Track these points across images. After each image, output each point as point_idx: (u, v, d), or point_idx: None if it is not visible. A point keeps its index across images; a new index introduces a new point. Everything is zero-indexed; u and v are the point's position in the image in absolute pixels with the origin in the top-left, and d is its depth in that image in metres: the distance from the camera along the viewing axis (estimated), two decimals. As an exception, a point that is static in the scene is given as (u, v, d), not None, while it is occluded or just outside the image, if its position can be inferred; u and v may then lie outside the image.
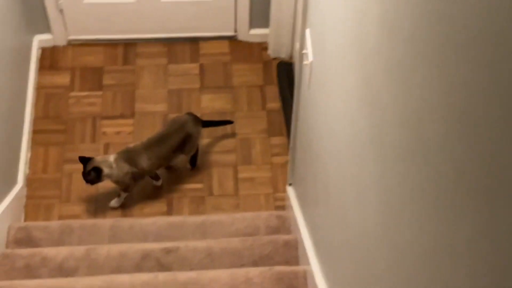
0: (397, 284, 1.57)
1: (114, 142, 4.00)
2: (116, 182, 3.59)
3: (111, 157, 3.50)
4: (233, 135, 4.04)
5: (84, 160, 3.47)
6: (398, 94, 1.46)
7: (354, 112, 1.91)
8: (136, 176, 3.57)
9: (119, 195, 3.68)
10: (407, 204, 1.45)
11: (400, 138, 1.47)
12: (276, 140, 4.05)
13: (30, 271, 3.03)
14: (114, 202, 3.70)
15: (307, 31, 2.68)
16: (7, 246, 3.27)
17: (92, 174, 3.43)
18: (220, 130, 4.05)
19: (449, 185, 1.18)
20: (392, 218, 1.58)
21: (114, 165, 3.47)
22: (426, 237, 1.32)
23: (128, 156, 3.52)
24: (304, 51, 2.71)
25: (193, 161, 3.83)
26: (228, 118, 4.06)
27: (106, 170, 3.45)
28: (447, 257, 1.21)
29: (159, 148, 3.55)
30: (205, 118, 3.97)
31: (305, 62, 2.68)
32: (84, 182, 3.51)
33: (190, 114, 3.75)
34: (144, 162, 3.52)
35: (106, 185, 3.77)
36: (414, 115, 1.36)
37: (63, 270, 3.04)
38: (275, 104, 4.19)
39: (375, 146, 1.70)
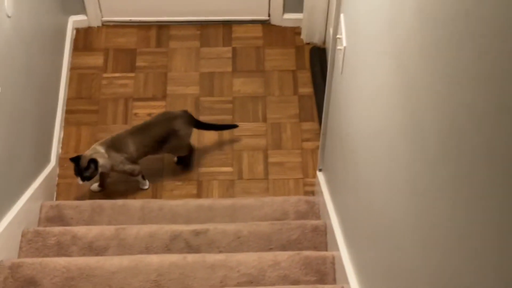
0: (426, 273, 1.56)
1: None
2: (118, 172, 3.60)
3: (100, 148, 3.47)
4: (264, 119, 4.04)
5: (75, 159, 3.41)
6: (433, 80, 1.45)
7: (387, 98, 1.90)
8: (132, 160, 3.57)
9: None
10: (439, 193, 1.44)
11: (434, 125, 1.45)
12: (307, 125, 4.04)
13: (61, 249, 3.07)
14: (142, 185, 3.75)
15: (342, 16, 2.66)
16: (39, 224, 3.32)
17: (92, 166, 3.37)
18: (251, 114, 4.05)
19: (484, 174, 1.16)
20: (423, 207, 1.57)
21: (106, 156, 3.45)
22: (458, 226, 1.31)
23: (115, 144, 3.51)
24: (338, 36, 2.69)
25: (186, 162, 3.82)
26: (259, 102, 4.06)
27: (101, 161, 3.41)
28: (480, 247, 1.20)
29: (142, 136, 3.55)
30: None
31: (338, 47, 2.67)
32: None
33: (185, 112, 3.72)
34: (131, 146, 3.52)
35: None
36: (449, 101, 1.34)
37: (92, 249, 3.08)
38: (306, 89, 4.17)
39: (407, 133, 1.68)
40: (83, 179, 3.39)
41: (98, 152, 3.44)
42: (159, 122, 3.62)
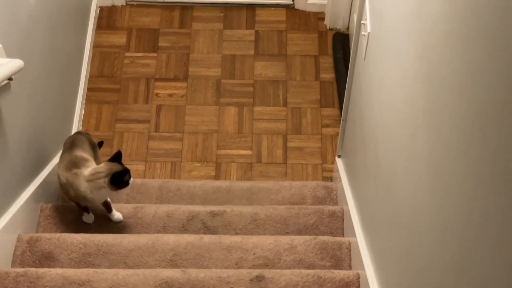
0: (444, 261, 1.56)
1: (166, 104, 4.04)
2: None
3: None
4: (284, 103, 4.04)
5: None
6: (457, 67, 1.44)
7: (410, 84, 1.89)
8: None
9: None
10: (460, 182, 1.43)
11: (457, 113, 1.44)
12: (328, 111, 4.03)
13: (79, 225, 3.10)
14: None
15: (367, 2, 2.64)
16: (57, 200, 3.34)
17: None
18: (272, 98, 4.05)
19: (506, 164, 1.16)
20: (443, 196, 1.56)
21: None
22: (478, 216, 1.31)
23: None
24: (362, 22, 2.68)
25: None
26: (280, 86, 4.07)
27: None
28: (501, 236, 1.19)
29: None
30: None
31: (362, 33, 2.65)
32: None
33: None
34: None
35: (157, 145, 3.82)
36: (472, 88, 1.33)
37: (110, 226, 3.10)
38: (328, 75, 4.16)
39: (430, 120, 1.68)
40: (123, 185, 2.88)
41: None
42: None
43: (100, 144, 3.38)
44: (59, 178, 2.97)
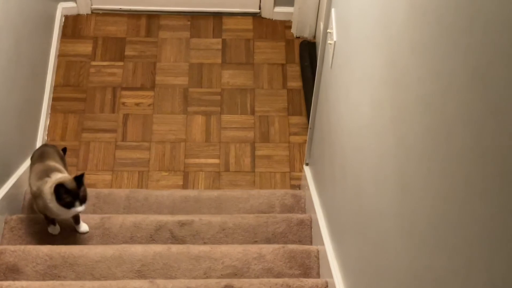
0: (411, 268, 1.56)
1: (133, 113, 4.00)
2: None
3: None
4: (252, 112, 4.03)
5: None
6: (423, 76, 1.45)
7: (377, 92, 1.90)
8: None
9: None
10: (425, 187, 1.44)
11: (423, 120, 1.45)
12: (295, 119, 4.04)
13: (44, 236, 3.05)
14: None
15: (333, 11, 2.65)
16: (22, 211, 3.30)
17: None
18: (239, 106, 4.04)
19: (471, 170, 1.16)
20: (409, 201, 1.57)
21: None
22: (444, 222, 1.31)
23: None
24: (328, 30, 2.69)
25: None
26: (248, 95, 4.07)
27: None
28: (463, 241, 1.20)
29: None
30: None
31: (329, 42, 2.66)
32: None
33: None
34: None
35: (124, 154, 3.79)
36: (438, 97, 1.34)
37: (76, 237, 3.06)
38: (296, 83, 4.16)
39: (396, 127, 1.68)
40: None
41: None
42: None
43: (64, 150, 3.32)
44: (30, 187, 2.94)
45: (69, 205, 2.74)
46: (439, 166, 1.33)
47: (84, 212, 2.90)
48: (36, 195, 2.85)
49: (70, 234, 3.07)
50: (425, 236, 1.44)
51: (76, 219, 3.03)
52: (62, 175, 2.87)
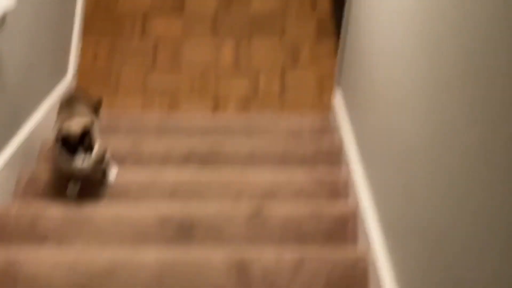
0: (439, 192, 1.57)
1: (164, 37, 3.99)
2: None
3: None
4: (282, 35, 3.99)
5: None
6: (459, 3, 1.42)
7: (409, 13, 1.86)
8: None
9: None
10: (456, 112, 1.42)
11: (455, 43, 1.43)
12: (326, 42, 3.99)
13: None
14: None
15: None
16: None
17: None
18: (270, 30, 4.00)
19: (503, 95, 1.15)
20: (439, 125, 1.56)
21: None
22: (472, 147, 1.31)
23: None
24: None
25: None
26: (278, 18, 4.00)
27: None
28: (498, 165, 1.19)
29: None
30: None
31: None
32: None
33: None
34: None
35: (155, 79, 3.80)
36: (473, 18, 1.31)
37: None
38: (326, 5, 4.10)
39: (428, 49, 1.66)
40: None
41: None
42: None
43: (99, 102, 3.12)
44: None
45: (72, 156, 2.52)
46: (470, 90, 1.32)
47: (91, 169, 2.69)
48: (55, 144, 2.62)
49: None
50: (453, 162, 1.44)
51: (103, 171, 2.82)
52: (75, 120, 2.61)
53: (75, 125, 2.54)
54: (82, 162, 2.53)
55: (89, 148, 2.52)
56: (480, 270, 1.28)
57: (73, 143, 2.51)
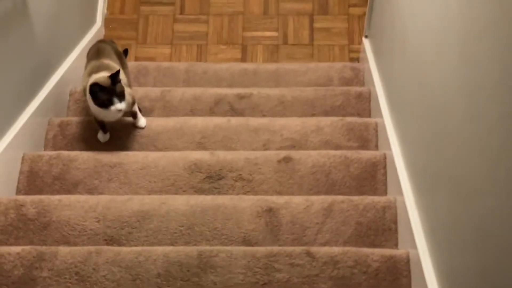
0: (474, 141, 1.56)
1: (190, -15, 3.97)
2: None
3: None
4: (310, -17, 3.95)
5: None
6: None
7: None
8: None
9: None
10: (489, 60, 1.41)
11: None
12: (355, -10, 3.95)
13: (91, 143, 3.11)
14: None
15: None
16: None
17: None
18: (297, -23, 3.96)
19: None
20: (473, 73, 1.54)
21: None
22: (508, 91, 1.29)
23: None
24: None
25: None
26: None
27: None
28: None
29: None
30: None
31: None
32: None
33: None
34: None
35: (182, 28, 3.79)
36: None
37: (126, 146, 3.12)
38: (356, -48, 4.04)
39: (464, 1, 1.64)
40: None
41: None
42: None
43: (125, 52, 3.14)
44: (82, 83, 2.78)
45: (106, 104, 2.57)
46: (504, 37, 1.30)
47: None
48: (84, 94, 2.71)
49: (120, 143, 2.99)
50: (489, 107, 1.43)
51: (134, 113, 2.88)
52: (103, 74, 2.63)
53: (102, 77, 2.58)
54: (120, 103, 2.58)
55: (121, 94, 2.57)
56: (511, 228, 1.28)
57: (109, 90, 2.55)
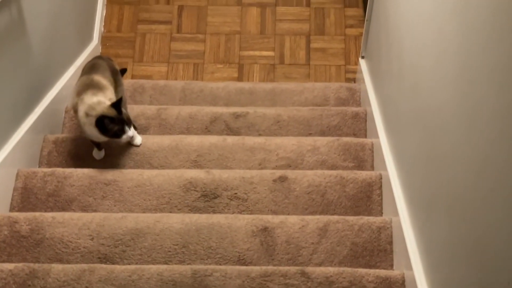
0: (469, 158, 1.55)
1: (188, 4, 3.98)
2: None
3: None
4: (307, 3, 3.96)
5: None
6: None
7: (439, -19, 1.84)
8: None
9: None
10: (488, 76, 1.41)
11: (487, 5, 1.41)
12: (351, 11, 3.96)
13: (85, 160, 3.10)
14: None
15: None
16: (81, 101, 3.35)
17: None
18: (295, -2, 3.98)
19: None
20: (471, 91, 1.54)
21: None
22: (507, 111, 1.29)
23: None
24: None
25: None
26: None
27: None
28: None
29: None
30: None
31: None
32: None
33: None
34: None
35: (179, 46, 3.79)
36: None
37: (121, 164, 3.11)
38: (353, -27, 4.06)
39: (458, 15, 1.64)
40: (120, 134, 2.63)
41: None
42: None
43: (123, 71, 3.12)
44: (71, 100, 2.75)
45: (118, 134, 2.59)
46: (503, 54, 1.30)
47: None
48: (74, 110, 2.68)
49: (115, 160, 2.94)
50: (486, 127, 1.42)
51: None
52: (96, 100, 2.60)
53: (105, 107, 2.56)
54: (130, 130, 2.62)
55: (129, 121, 2.62)
56: (509, 247, 1.27)
57: (118, 120, 2.57)
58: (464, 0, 1.59)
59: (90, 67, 2.85)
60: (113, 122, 2.56)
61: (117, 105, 2.57)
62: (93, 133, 2.62)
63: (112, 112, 2.56)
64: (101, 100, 2.61)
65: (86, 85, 2.69)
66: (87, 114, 2.58)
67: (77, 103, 2.65)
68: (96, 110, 2.56)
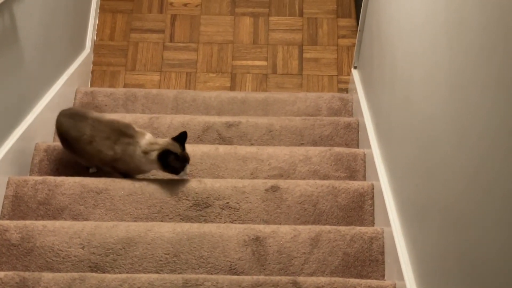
0: (461, 169, 1.56)
1: (181, 13, 3.99)
2: None
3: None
4: (300, 14, 3.98)
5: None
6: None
7: (431, -8, 1.85)
8: None
9: None
10: (480, 88, 1.41)
11: (480, 19, 1.41)
12: (344, 21, 3.97)
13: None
14: None
15: None
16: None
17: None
18: (288, 8, 3.98)
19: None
20: (463, 102, 1.55)
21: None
22: (497, 124, 1.29)
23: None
24: None
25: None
26: (296, -4, 3.99)
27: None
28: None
29: None
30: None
31: None
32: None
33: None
34: None
35: (172, 55, 3.79)
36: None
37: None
38: (346, -16, 4.08)
39: (451, 27, 1.64)
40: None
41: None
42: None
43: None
44: (104, 153, 2.67)
45: (178, 171, 2.61)
46: (496, 68, 1.31)
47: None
48: (117, 158, 2.66)
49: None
50: (477, 140, 1.43)
51: None
52: (152, 137, 2.67)
53: (169, 143, 2.61)
54: (186, 174, 2.65)
55: (189, 159, 2.65)
56: (500, 258, 1.27)
57: (182, 158, 2.61)
58: (456, 12, 1.59)
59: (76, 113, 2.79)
60: (178, 159, 2.60)
61: (182, 140, 2.62)
62: (147, 168, 2.68)
63: (177, 149, 2.60)
64: (151, 137, 2.67)
65: (114, 130, 2.68)
66: (146, 152, 2.60)
67: (124, 150, 2.64)
68: (159, 145, 2.60)
